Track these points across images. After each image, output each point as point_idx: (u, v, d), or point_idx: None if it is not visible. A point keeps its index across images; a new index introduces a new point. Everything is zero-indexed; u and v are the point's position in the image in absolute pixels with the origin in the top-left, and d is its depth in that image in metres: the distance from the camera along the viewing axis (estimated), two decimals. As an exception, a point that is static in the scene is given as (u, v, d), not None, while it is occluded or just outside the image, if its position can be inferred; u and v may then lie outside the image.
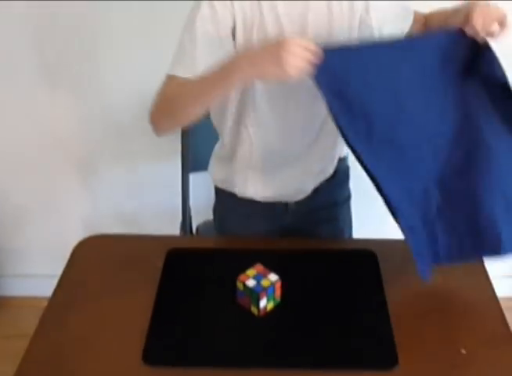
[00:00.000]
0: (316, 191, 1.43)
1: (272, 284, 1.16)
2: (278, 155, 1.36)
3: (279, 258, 1.29)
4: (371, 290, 1.24)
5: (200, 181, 1.90)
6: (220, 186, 1.49)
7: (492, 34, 1.13)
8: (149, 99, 1.85)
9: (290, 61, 1.01)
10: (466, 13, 1.13)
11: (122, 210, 2.16)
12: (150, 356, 1.09)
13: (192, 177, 1.88)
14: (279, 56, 1.01)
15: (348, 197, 1.53)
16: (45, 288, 2.26)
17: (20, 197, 2.16)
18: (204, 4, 1.16)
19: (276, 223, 1.47)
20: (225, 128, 1.37)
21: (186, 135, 1.84)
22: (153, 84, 1.83)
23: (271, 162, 1.37)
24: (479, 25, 1.11)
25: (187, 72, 1.17)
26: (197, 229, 1.94)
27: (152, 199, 2.12)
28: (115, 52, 1.86)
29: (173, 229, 1.88)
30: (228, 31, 1.18)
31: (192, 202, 1.89)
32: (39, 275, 2.25)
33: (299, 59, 1.02)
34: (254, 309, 1.16)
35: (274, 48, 1.03)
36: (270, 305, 1.18)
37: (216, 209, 1.57)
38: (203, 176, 1.90)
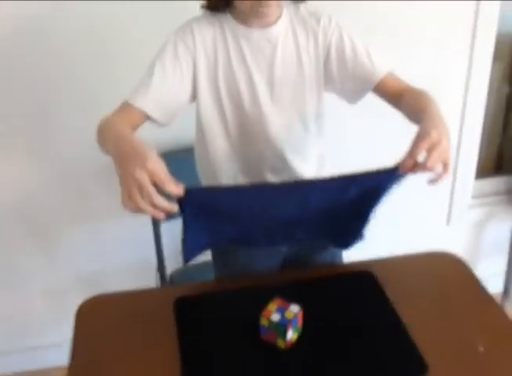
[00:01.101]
0: None
1: (295, 315, 1.19)
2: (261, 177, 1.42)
3: (288, 290, 1.32)
4: (380, 308, 1.31)
5: (166, 229, 1.92)
6: None
7: (431, 170, 1.08)
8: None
9: (133, 194, 0.98)
10: (424, 134, 1.08)
11: (88, 272, 2.11)
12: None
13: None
14: (128, 184, 0.99)
15: None
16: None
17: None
18: (169, 45, 1.27)
19: (277, 256, 1.52)
20: (201, 157, 1.45)
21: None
22: None
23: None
24: (432, 162, 1.06)
25: (138, 102, 1.25)
26: (171, 278, 1.94)
27: (120, 256, 2.09)
28: (69, 114, 1.85)
29: (145, 282, 1.87)
30: (188, 68, 1.28)
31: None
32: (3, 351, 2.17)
33: (139, 198, 0.98)
34: (280, 343, 1.19)
35: (129, 170, 0.99)
36: (295, 336, 1.21)
37: (215, 255, 1.58)
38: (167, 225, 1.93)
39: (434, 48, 2.04)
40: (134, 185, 0.98)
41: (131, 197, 0.98)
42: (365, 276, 1.40)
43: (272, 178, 1.41)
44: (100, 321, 1.34)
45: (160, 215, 1.02)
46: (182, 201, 1.11)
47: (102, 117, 1.23)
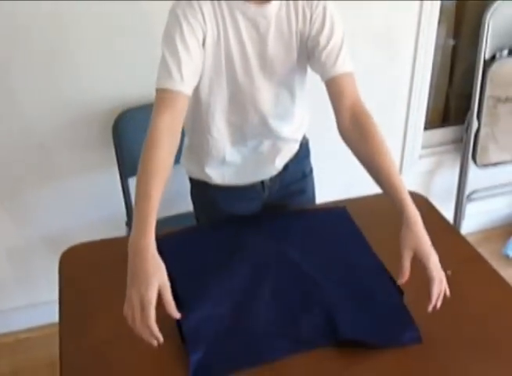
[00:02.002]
0: (285, 168, 1.56)
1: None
2: (247, 147, 1.47)
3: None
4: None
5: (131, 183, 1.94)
6: (195, 177, 1.57)
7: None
8: (71, 110, 1.88)
9: (135, 313, 1.04)
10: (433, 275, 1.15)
11: (55, 231, 2.10)
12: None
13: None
14: (132, 300, 1.04)
15: (311, 170, 1.67)
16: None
17: None
18: (181, 19, 1.24)
19: (256, 201, 1.59)
20: (193, 134, 1.48)
21: (118, 141, 1.87)
22: (72, 95, 1.86)
23: (241, 154, 1.48)
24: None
25: (174, 85, 1.22)
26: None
27: (87, 212, 2.09)
28: (33, 66, 1.82)
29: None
30: (201, 43, 1.27)
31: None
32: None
33: (138, 318, 1.03)
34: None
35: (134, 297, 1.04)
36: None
37: (195, 199, 1.63)
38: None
39: (389, 5, 2.12)
40: (137, 303, 1.03)
41: (132, 314, 1.03)
42: (339, 211, 1.50)
43: (252, 141, 1.47)
44: (84, 267, 1.37)
45: (154, 342, 1.05)
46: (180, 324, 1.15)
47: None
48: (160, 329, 1.03)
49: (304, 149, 1.61)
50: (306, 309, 1.20)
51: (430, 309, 1.14)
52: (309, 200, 1.65)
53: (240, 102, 1.38)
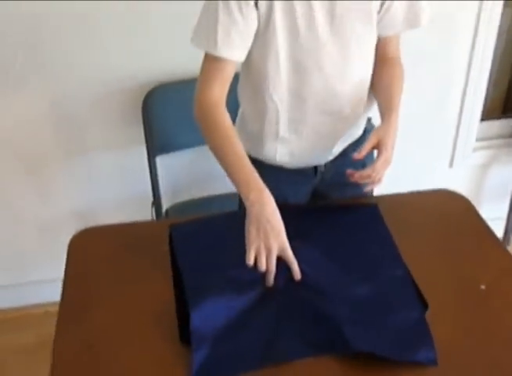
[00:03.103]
0: (343, 154, 1.44)
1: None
2: (305, 125, 1.35)
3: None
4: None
5: (163, 164, 1.88)
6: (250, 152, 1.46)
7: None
8: (100, 86, 1.83)
9: (260, 251, 1.12)
10: (377, 142, 1.23)
11: (82, 207, 2.07)
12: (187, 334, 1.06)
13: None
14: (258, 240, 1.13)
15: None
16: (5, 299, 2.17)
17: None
18: None
19: (305, 187, 1.50)
20: (247, 103, 1.37)
21: (148, 118, 1.81)
22: (102, 71, 1.81)
23: (299, 133, 1.36)
24: (378, 175, 1.23)
25: (225, 53, 1.18)
26: (167, 213, 1.92)
27: (115, 190, 2.04)
28: (63, 41, 1.77)
29: (141, 217, 1.83)
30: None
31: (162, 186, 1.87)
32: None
33: (263, 255, 1.12)
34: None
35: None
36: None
37: None
38: (167, 159, 1.89)
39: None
40: (263, 246, 1.12)
41: (257, 250, 1.12)
42: (369, 208, 1.38)
43: (311, 117, 1.34)
44: (92, 253, 1.31)
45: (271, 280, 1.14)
46: None
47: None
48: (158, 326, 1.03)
49: (368, 135, 1.42)
50: (317, 318, 1.10)
51: (356, 175, 1.23)
52: (365, 195, 1.49)
53: (302, 62, 1.24)
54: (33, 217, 2.09)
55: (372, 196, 1.46)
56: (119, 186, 2.03)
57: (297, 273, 1.15)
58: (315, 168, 1.47)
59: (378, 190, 1.50)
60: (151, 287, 1.18)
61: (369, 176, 1.22)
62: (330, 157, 1.45)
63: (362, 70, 1.32)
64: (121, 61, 1.80)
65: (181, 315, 1.10)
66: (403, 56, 1.38)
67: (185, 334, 1.06)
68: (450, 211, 1.39)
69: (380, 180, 1.24)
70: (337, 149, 1.43)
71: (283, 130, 1.35)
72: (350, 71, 1.28)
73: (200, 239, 1.29)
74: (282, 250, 1.13)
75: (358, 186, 1.31)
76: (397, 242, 1.27)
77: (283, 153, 1.40)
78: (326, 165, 1.47)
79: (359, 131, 1.45)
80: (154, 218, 1.87)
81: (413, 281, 1.17)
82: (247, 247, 1.12)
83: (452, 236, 1.31)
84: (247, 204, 1.15)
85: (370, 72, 1.34)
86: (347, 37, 1.24)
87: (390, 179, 1.40)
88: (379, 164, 1.22)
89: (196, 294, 1.12)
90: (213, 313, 1.10)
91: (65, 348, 1.08)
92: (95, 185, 2.04)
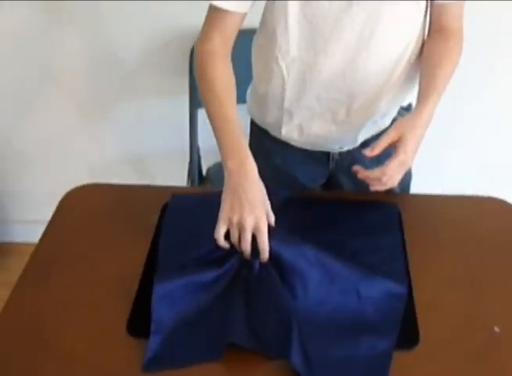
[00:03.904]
0: (365, 144, 1.21)
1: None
2: (316, 100, 1.16)
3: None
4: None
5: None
6: (255, 120, 1.33)
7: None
8: (152, 34, 1.76)
9: (232, 229, 0.99)
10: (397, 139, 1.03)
11: (127, 151, 2.03)
12: (135, 327, 0.96)
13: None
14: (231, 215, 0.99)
15: None
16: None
17: (23, 141, 2.02)
18: None
19: (321, 168, 1.32)
20: (257, 65, 1.22)
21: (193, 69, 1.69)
22: (154, 19, 1.72)
23: (308, 107, 1.18)
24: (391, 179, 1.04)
25: (231, 5, 1.06)
26: (207, 172, 1.81)
27: (160, 138, 1.97)
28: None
29: (182, 169, 1.76)
30: None
31: (203, 142, 1.75)
32: (43, 221, 2.16)
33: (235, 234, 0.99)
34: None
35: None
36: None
37: (254, 151, 1.40)
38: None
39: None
40: (236, 220, 0.97)
41: (229, 224, 0.98)
42: (389, 208, 1.17)
43: (324, 93, 1.14)
44: (82, 211, 1.23)
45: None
46: None
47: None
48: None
49: None
50: (276, 318, 0.94)
51: (363, 174, 1.05)
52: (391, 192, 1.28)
53: (316, 27, 1.05)
54: (84, 160, 2.06)
55: (400, 193, 1.24)
56: (165, 135, 1.96)
57: (263, 260, 0.98)
58: (328, 154, 1.28)
59: (415, 188, 1.30)
60: (124, 261, 1.08)
61: (377, 179, 1.03)
62: (346, 147, 1.25)
63: (396, 42, 1.09)
64: (173, 9, 1.69)
65: (137, 305, 0.99)
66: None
67: (133, 327, 0.96)
68: (494, 226, 1.15)
69: (393, 184, 1.05)
70: (353, 136, 1.22)
71: (289, 100, 1.17)
72: (378, 43, 1.06)
73: (193, 214, 1.16)
74: (256, 228, 0.96)
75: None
76: (415, 252, 1.07)
77: (289, 127, 1.23)
78: (341, 154, 1.27)
79: (386, 121, 1.22)
80: (191, 172, 1.77)
81: (411, 304, 0.97)
82: (218, 221, 0.99)
83: (480, 257, 1.08)
84: (226, 173, 1.02)
85: (410, 47, 1.10)
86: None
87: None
88: (392, 168, 1.02)
89: (162, 276, 1.00)
90: (175, 295, 0.98)
91: (14, 311, 1.00)
92: (145, 133, 1.98)
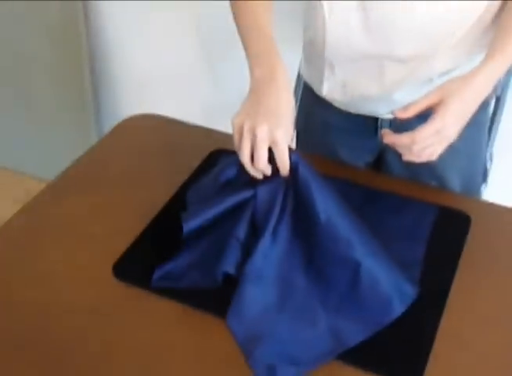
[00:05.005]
0: (424, 117, 0.97)
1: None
2: (359, 49, 0.99)
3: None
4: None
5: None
6: (302, 75, 1.21)
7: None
8: None
9: (244, 138, 0.82)
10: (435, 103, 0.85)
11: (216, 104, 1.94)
12: (122, 270, 0.90)
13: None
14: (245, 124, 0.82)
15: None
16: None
17: (145, 65, 2.02)
18: None
19: (368, 143, 1.15)
20: (305, 15, 1.08)
21: None
22: None
23: (351, 60, 1.02)
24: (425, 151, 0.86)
25: None
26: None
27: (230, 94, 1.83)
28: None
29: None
30: None
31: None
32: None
33: (246, 145, 0.82)
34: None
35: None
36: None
37: (299, 109, 1.26)
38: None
39: None
40: (248, 125, 0.81)
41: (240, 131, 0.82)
42: (428, 207, 0.97)
43: (368, 45, 0.98)
44: (126, 141, 1.18)
45: (258, 175, 0.85)
46: None
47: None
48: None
49: None
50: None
51: (389, 138, 0.87)
52: (442, 179, 1.10)
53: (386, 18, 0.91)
54: (199, 104, 2.01)
55: (466, 196, 1.05)
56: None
57: (283, 175, 0.84)
58: (376, 120, 1.10)
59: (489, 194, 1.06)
60: (143, 200, 1.01)
61: (407, 147, 0.85)
62: (395, 107, 0.98)
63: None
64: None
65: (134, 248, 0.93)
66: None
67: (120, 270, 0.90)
68: None
69: (429, 156, 0.87)
70: (403, 96, 1.01)
71: (330, 48, 1.01)
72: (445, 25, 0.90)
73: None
74: (273, 141, 0.80)
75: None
76: (465, 270, 0.88)
77: (331, 83, 1.07)
78: (391, 122, 1.08)
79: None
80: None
81: (431, 328, 0.80)
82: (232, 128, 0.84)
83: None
84: (251, 84, 0.86)
85: (476, 8, 0.91)
86: None
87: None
88: (423, 135, 0.84)
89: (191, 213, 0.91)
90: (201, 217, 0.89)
91: (14, 225, 1.00)
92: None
